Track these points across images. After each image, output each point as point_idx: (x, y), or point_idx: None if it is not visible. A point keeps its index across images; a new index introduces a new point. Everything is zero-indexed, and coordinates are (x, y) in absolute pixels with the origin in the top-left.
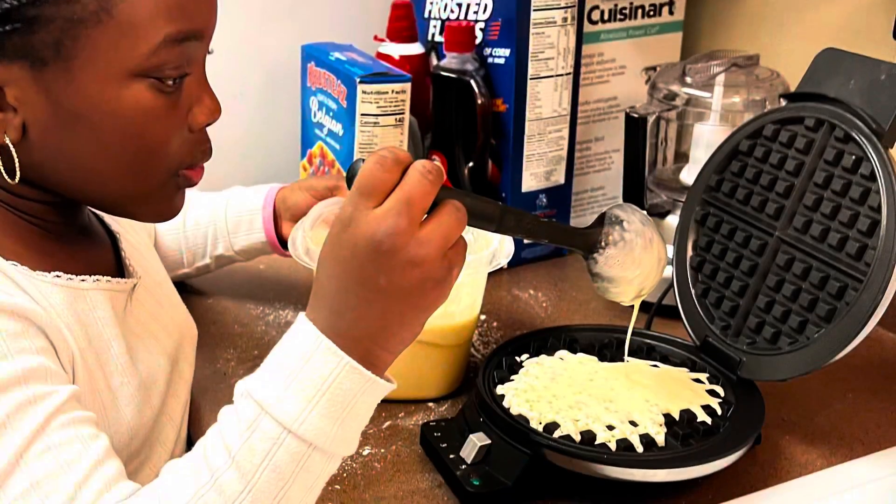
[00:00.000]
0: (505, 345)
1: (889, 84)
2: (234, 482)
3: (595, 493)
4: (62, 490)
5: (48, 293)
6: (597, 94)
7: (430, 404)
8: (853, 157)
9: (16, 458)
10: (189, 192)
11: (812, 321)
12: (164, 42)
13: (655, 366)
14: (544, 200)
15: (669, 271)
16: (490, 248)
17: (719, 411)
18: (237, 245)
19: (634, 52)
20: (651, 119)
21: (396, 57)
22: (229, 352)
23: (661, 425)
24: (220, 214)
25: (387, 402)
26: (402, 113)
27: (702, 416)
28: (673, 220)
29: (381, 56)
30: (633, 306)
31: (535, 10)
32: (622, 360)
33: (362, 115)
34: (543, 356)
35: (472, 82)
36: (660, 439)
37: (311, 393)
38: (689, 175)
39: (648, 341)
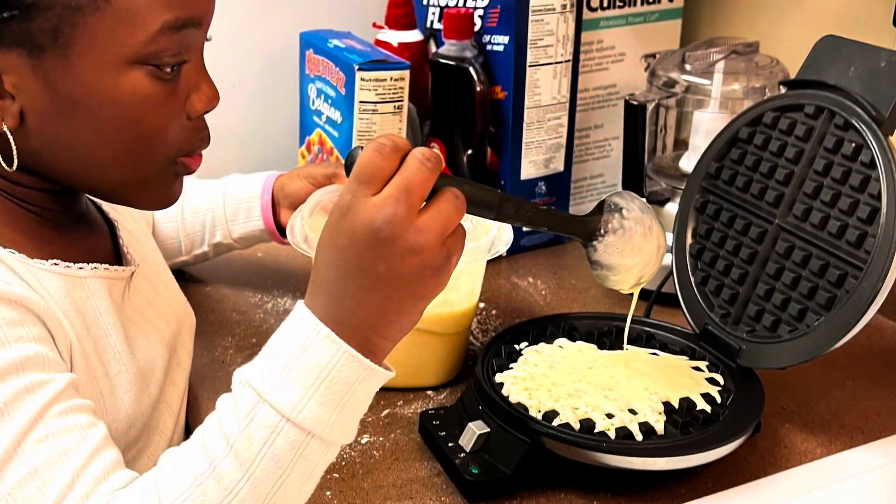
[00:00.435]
0: (504, 333)
1: (889, 71)
2: (232, 470)
3: (594, 481)
4: (60, 478)
5: (46, 281)
6: (596, 81)
7: (429, 392)
8: (853, 144)
9: (13, 447)
10: (187, 179)
11: (812, 309)
12: (162, 29)
13: (655, 354)
14: (543, 188)
15: (669, 259)
16: (489, 236)
17: (719, 399)
18: (235, 233)
19: (634, 40)
20: (650, 106)
21: (395, 44)
22: (227, 340)
23: (660, 413)
24: (218, 202)
25: (385, 391)
26: (401, 100)
27: (701, 405)
28: (672, 208)
29: (379, 43)
30: (632, 294)
31: None
32: (621, 348)
33: (361, 102)
34: (542, 344)
35: (471, 70)
36: (659, 427)
37: (309, 381)
38: (688, 162)
39: (648, 329)
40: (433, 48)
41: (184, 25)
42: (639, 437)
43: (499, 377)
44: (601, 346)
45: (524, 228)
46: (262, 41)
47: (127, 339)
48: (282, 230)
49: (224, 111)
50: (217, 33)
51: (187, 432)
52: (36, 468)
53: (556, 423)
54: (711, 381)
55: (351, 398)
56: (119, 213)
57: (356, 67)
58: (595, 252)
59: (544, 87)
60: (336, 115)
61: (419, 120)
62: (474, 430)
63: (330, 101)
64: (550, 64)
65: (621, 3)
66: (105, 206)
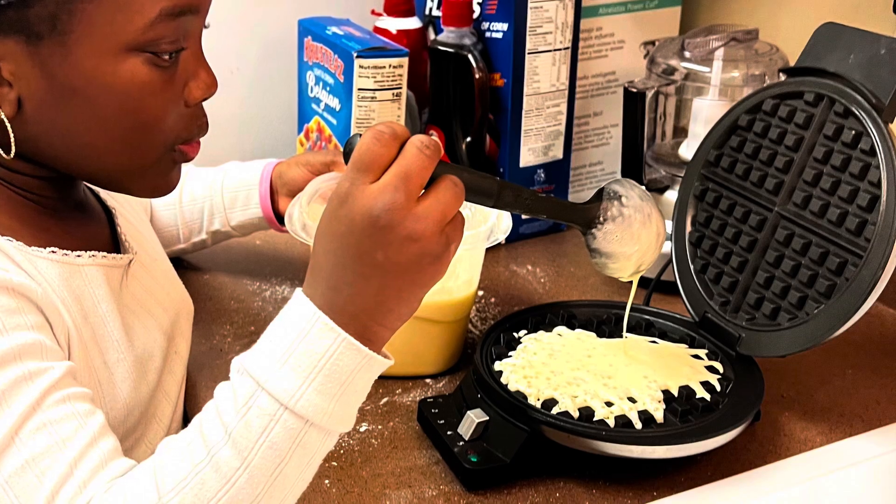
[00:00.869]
0: (503, 321)
1: (889, 58)
2: (230, 459)
3: (593, 469)
4: (58, 466)
5: (44, 269)
6: (595, 68)
7: (428, 380)
8: (853, 131)
9: (11, 435)
10: (185, 167)
11: (811, 297)
12: (160, 16)
13: (654, 342)
14: (542, 175)
15: (668, 247)
16: (488, 224)
17: (718, 387)
18: (233, 220)
19: (633, 27)
20: (650, 94)
21: (394, 31)
22: (225, 328)
23: (659, 402)
24: (216, 190)
25: (384, 379)
26: (400, 88)
27: (701, 393)
28: (672, 196)
29: (378, 30)
30: (631, 282)
31: None
32: (621, 337)
33: (359, 89)
34: (541, 332)
35: (470, 57)
36: (658, 416)
37: (307, 369)
38: (687, 150)
39: (647, 317)
40: (432, 35)
41: (182, 12)
42: (638, 425)
43: (498, 365)
44: (600, 335)
45: (523, 216)
46: (261, 28)
47: (125, 327)
48: (280, 218)
49: (222, 98)
50: (215, 20)
51: (185, 420)
52: (34, 456)
53: (555, 411)
54: (711, 369)
55: (349, 386)
56: (117, 201)
57: (355, 55)
58: (594, 240)
59: (543, 74)
60: (334, 103)
61: (418, 107)
62: (473, 419)
63: (328, 89)
64: (549, 51)
65: None
66: (103, 193)
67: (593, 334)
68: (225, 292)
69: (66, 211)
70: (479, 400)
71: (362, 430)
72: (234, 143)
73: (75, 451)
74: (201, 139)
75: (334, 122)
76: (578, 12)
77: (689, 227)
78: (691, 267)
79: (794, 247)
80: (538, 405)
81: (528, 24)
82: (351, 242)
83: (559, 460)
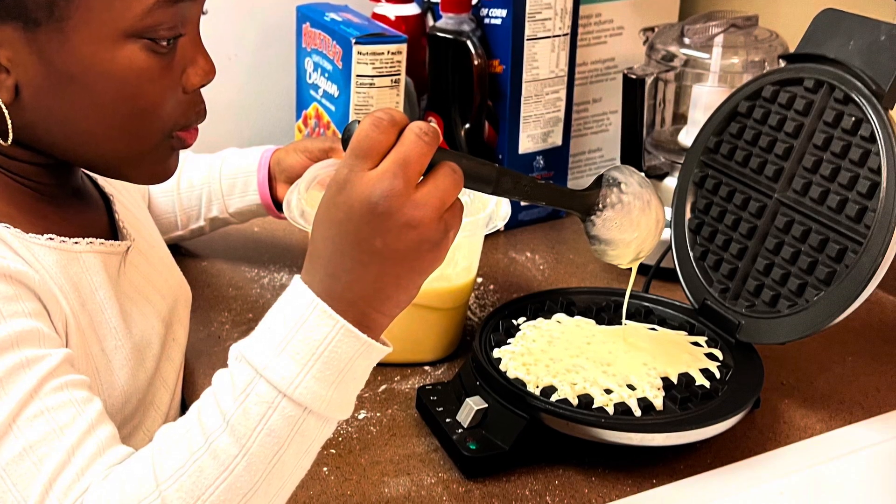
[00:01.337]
0: (502, 308)
1: (889, 45)
2: (228, 446)
3: (592, 456)
4: (55, 454)
5: (41, 256)
6: (594, 55)
7: (427, 368)
8: (853, 118)
9: (8, 423)
10: (183, 153)
11: (811, 284)
12: (158, 2)
13: (653, 329)
14: (541, 162)
15: (667, 234)
16: (487, 211)
17: (718, 375)
18: (232, 207)
19: (632, 13)
20: (649, 80)
21: (392, 18)
22: (224, 315)
23: (659, 389)
24: (214, 176)
25: (382, 366)
26: (398, 74)
27: (700, 380)
28: (671, 182)
29: (376, 17)
30: (630, 269)
31: None
32: (620, 324)
33: (358, 76)
34: (540, 319)
35: (469, 43)
36: (658, 403)
37: (305, 356)
38: (687, 137)
39: (646, 304)
40: (430, 22)
41: None
42: (637, 412)
43: (496, 352)
44: (599, 322)
45: (522, 203)
46: (259, 15)
47: (122, 314)
48: (278, 205)
49: (220, 85)
50: (213, 7)
51: (183, 408)
52: (31, 444)
53: (554, 398)
54: (710, 356)
55: (348, 373)
56: (115, 188)
57: (353, 41)
58: (593, 227)
59: (542, 60)
60: (333, 89)
61: (416, 94)
62: (472, 406)
63: (327, 75)
64: (548, 37)
65: None
66: (101, 180)
67: (592, 321)
68: (223, 279)
69: (63, 198)
70: (477, 387)
71: (361, 417)
72: (232, 129)
73: (73, 439)
74: (199, 126)
75: (332, 108)
76: None
77: (688, 214)
78: (691, 254)
79: (794, 234)
80: (537, 392)
81: (527, 11)
82: (349, 229)
83: (558, 448)
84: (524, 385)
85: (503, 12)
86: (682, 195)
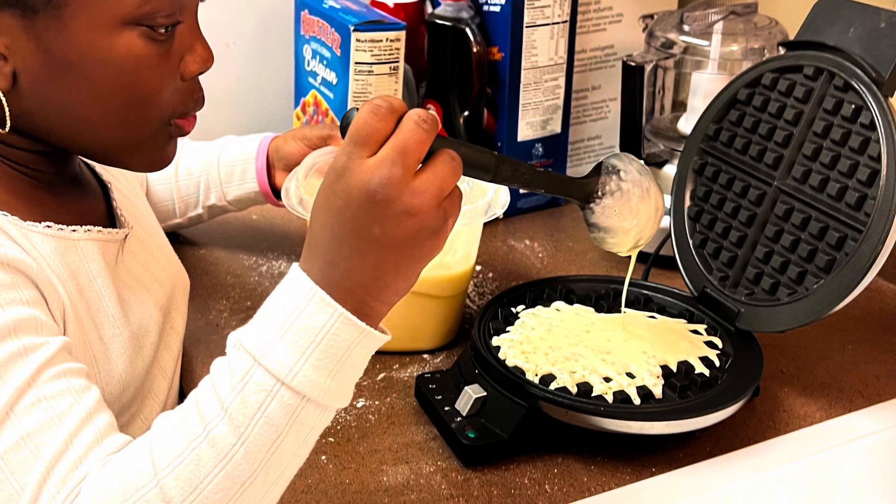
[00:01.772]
0: (500, 296)
1: (889, 32)
2: (226, 434)
3: (591, 445)
4: (53, 442)
5: (39, 243)
6: (594, 42)
7: (425, 356)
8: (853, 105)
9: (6, 411)
10: (181, 141)
11: (811, 272)
12: None
13: (653, 317)
14: (540, 150)
15: (667, 221)
16: (485, 198)
17: (717, 363)
18: (230, 195)
19: (631, 0)
20: (648, 67)
21: (391, 5)
22: (222, 303)
23: (658, 377)
24: (212, 164)
25: (381, 354)
26: (397, 61)
27: (700, 368)
28: (670, 170)
29: (375, 4)
30: (630, 257)
31: None
32: (619, 312)
33: (356, 63)
34: (539, 307)
35: (468, 30)
36: (657, 391)
37: (304, 344)
38: (686, 124)
39: (646, 292)
40: (429, 9)
41: None
42: (637, 400)
43: (495, 340)
44: (599, 310)
45: (521, 190)
46: (257, 2)
47: (120, 302)
48: (276, 192)
49: (218, 72)
50: None
51: (181, 396)
52: (29, 432)
53: (553, 386)
54: (710, 344)
55: (346, 362)
56: (112, 176)
57: (352, 28)
58: (592, 214)
59: (541, 47)
60: (331, 77)
61: (415, 81)
62: (471, 394)
63: (325, 63)
64: (547, 24)
65: None
66: (98, 168)
67: (591, 309)
68: (221, 267)
69: (61, 185)
70: (476, 375)
71: (359, 405)
72: (230, 117)
73: (71, 427)
74: (197, 113)
75: (331, 95)
76: None
77: (687, 202)
78: (690, 242)
79: (794, 221)
80: (536, 381)
81: None
82: (348, 217)
83: (557, 436)
84: (523, 373)
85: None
86: (681, 183)
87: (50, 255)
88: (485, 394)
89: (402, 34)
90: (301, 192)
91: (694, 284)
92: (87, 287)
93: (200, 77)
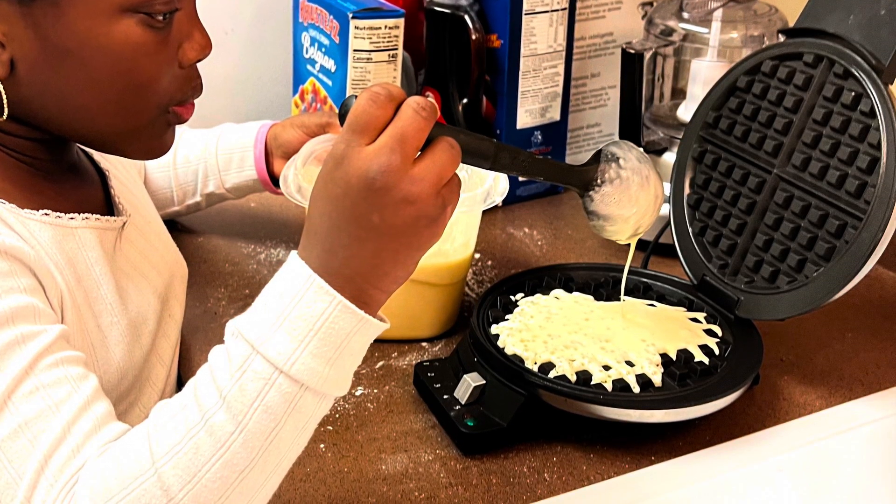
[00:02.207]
0: (499, 284)
1: (889, 19)
2: (225, 423)
3: (591, 433)
4: (51, 430)
5: (36, 231)
6: (593, 29)
7: (424, 344)
8: (852, 93)
9: (3, 399)
10: (179, 128)
11: (811, 260)
12: None
13: (652, 305)
14: (539, 137)
15: (666, 209)
16: (484, 186)
17: (717, 351)
18: (228, 183)
19: None
20: (648, 55)
21: None
22: (220, 291)
23: (657, 365)
24: (210, 151)
25: (380, 342)
26: (396, 49)
27: (699, 356)
28: (670, 158)
29: None
30: (629, 245)
31: None
32: (618, 300)
33: (355, 50)
34: (539, 295)
35: (467, 17)
36: (657, 379)
37: (302, 332)
38: (686, 112)
39: (645, 280)
40: None
41: None
42: (636, 389)
43: (494, 329)
44: (598, 298)
45: (520, 178)
46: None
47: (118, 290)
48: (275, 180)
49: (217, 60)
50: None
51: (179, 384)
52: (27, 421)
53: (552, 375)
54: (709, 332)
55: (345, 350)
56: (110, 163)
57: (350, 15)
58: (592, 202)
59: (540, 35)
60: (330, 64)
61: (414, 69)
62: (470, 383)
63: (324, 50)
64: (547, 12)
65: None
66: (96, 155)
67: (591, 297)
68: (219, 255)
69: (59, 173)
70: (475, 364)
71: (358, 394)
72: (228, 104)
73: (68, 416)
74: (195, 101)
75: (329, 83)
76: None
77: (687, 190)
78: (689, 229)
79: (794, 209)
80: (535, 369)
81: None
82: (346, 205)
83: (556, 424)
84: (522, 361)
85: None
86: (680, 170)
87: (48, 243)
88: (484, 382)
89: (401, 21)
90: (299, 179)
91: (693, 272)
92: (85, 275)
93: (199, 64)
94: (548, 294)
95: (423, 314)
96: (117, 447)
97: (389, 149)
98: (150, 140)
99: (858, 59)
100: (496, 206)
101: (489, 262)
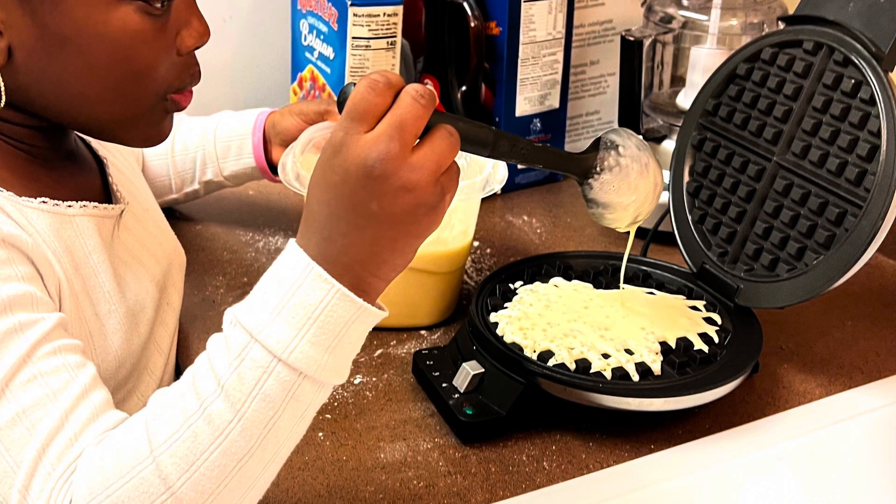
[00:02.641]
0: (498, 272)
1: (889, 6)
2: (223, 411)
3: (590, 422)
4: (48, 419)
5: (34, 219)
6: (592, 16)
7: (423, 332)
8: (852, 80)
9: (1, 387)
10: (177, 116)
11: (811, 247)
12: None
13: (651, 293)
14: (538, 125)
15: (665, 197)
16: (483, 174)
17: (716, 339)
18: (226, 170)
19: None
20: (647, 42)
21: None
22: (218, 279)
23: (657, 353)
24: (208, 139)
25: (378, 330)
26: (394, 36)
27: (699, 345)
28: (669, 145)
29: None
30: (628, 232)
31: None
32: (618, 288)
33: (353, 38)
34: (538, 283)
35: (465, 5)
36: (656, 368)
37: (301, 320)
38: (685, 99)
39: (644, 268)
40: None
41: None
42: (635, 377)
43: (493, 317)
44: (597, 286)
45: (519, 166)
46: None
47: (116, 278)
48: (273, 168)
49: (215, 47)
50: None
51: (178, 373)
52: (24, 409)
53: (551, 363)
54: (709, 320)
55: (343, 338)
56: (108, 151)
57: (349, 3)
58: (591, 190)
59: (539, 22)
60: (328, 52)
61: (412, 56)
62: (468, 371)
63: (322, 37)
64: None
65: None
66: (94, 143)
67: (590, 285)
68: (217, 243)
69: (57, 161)
70: (474, 352)
71: (356, 382)
72: (226, 92)
73: (66, 404)
74: (194, 88)
75: (328, 70)
76: None
77: (686, 177)
78: (689, 217)
79: (793, 197)
80: (534, 357)
81: None
82: (345, 192)
83: (555, 413)
84: (521, 350)
85: None
86: (680, 158)
87: (45, 231)
88: (482, 370)
89: (400, 9)
90: (298, 167)
91: (693, 260)
92: (83, 263)
93: (197, 52)
94: (547, 282)
95: (422, 302)
96: (115, 436)
97: (388, 136)
98: (149, 128)
99: (858, 46)
100: (495, 193)
101: (488, 250)
